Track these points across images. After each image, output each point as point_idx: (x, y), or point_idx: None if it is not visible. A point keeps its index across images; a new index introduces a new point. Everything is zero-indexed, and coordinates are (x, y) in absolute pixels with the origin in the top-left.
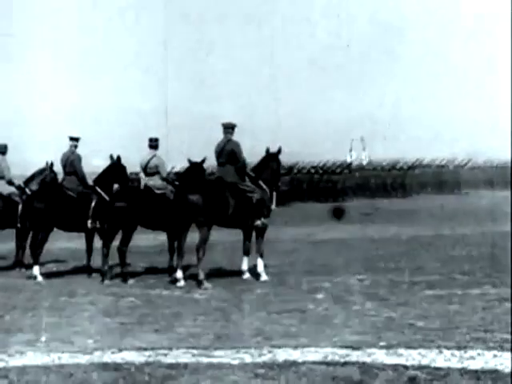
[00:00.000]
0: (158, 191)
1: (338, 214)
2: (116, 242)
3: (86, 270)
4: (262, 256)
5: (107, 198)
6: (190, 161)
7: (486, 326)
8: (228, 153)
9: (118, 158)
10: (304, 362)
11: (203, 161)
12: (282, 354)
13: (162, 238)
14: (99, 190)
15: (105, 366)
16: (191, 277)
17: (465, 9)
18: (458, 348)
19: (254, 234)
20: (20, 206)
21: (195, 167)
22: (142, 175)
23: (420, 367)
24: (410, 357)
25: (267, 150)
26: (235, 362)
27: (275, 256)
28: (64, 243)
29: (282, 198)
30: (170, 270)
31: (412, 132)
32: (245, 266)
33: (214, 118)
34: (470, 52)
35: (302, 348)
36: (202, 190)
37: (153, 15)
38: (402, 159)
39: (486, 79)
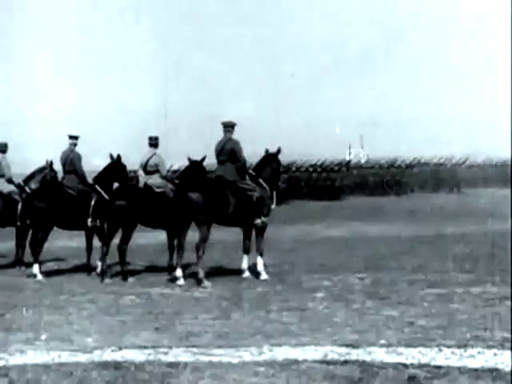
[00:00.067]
0: (158, 190)
1: None
2: (116, 240)
3: (86, 268)
4: (261, 255)
5: (107, 196)
6: (189, 159)
7: (487, 325)
8: (228, 151)
9: (118, 156)
10: (304, 361)
11: (203, 159)
12: (282, 353)
13: (161, 236)
14: (99, 188)
15: (105, 365)
16: (191, 275)
17: (465, 9)
18: (458, 346)
19: (253, 232)
20: (20, 205)
21: (195, 166)
22: (140, 173)
23: (420, 366)
24: (410, 355)
25: (266, 151)
26: (235, 361)
27: (275, 254)
28: (64, 242)
29: (281, 196)
30: (170, 269)
31: (410, 130)
32: (245, 264)
33: (213, 117)
34: (470, 52)
35: (302, 346)
36: (202, 188)
37: (153, 15)
38: (400, 157)
39: (485, 79)
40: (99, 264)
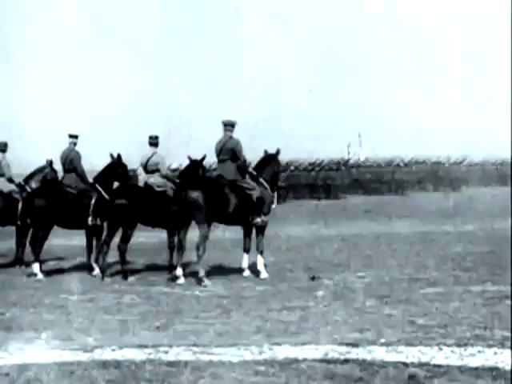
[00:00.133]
0: (159, 189)
1: None
2: (116, 239)
3: (87, 267)
4: (262, 253)
5: (107, 196)
6: (190, 158)
7: (487, 324)
8: (228, 150)
9: (119, 156)
10: (304, 360)
11: (203, 158)
12: (283, 352)
13: (162, 235)
14: (99, 187)
15: (105, 364)
16: (191, 274)
17: (465, 9)
18: (458, 345)
19: (253, 231)
20: (20, 204)
21: (195, 165)
22: (139, 172)
23: (420, 364)
24: (410, 354)
25: (265, 152)
26: (235, 360)
27: (275, 253)
28: (64, 240)
29: (280, 195)
30: (170, 268)
31: (409, 129)
32: (245, 263)
33: (213, 116)
34: (470, 51)
35: (302, 345)
36: (202, 187)
37: (153, 15)
38: (399, 156)
39: (485, 78)
40: (94, 265)
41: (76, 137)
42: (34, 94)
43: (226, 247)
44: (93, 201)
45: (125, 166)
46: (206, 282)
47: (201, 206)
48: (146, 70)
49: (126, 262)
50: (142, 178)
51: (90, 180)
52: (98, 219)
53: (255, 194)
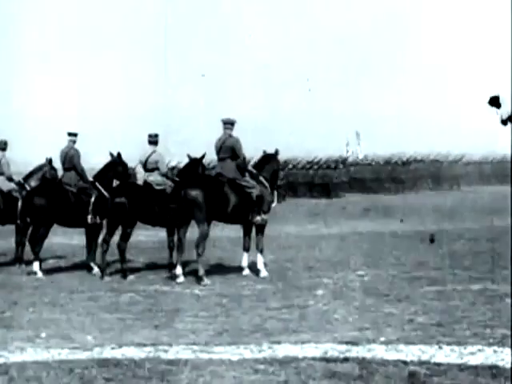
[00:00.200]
0: (158, 187)
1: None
2: (116, 237)
3: (86, 265)
4: (261, 252)
5: (107, 194)
6: (189, 156)
7: (486, 322)
8: (228, 149)
9: (119, 154)
10: (304, 358)
11: (203, 156)
12: (282, 350)
13: (161, 233)
14: (99, 185)
15: (105, 362)
16: (191, 273)
17: (465, 8)
18: (458, 344)
19: (253, 229)
20: (20, 203)
21: (195, 163)
22: (138, 170)
23: (420, 363)
24: (410, 352)
25: (264, 152)
26: (235, 358)
27: (274, 252)
28: (64, 239)
29: (279, 193)
30: (170, 266)
31: (407, 128)
32: (244, 262)
33: (213, 115)
34: (468, 50)
35: (302, 344)
36: (202, 185)
37: (153, 14)
38: (397, 154)
39: (485, 77)
40: (92, 264)
41: (75, 135)
42: (34, 92)
43: (226, 246)
44: (92, 199)
45: (125, 165)
46: (206, 280)
47: (200, 205)
48: (146, 69)
49: (125, 261)
50: (141, 176)
51: (90, 178)
52: (98, 217)
53: (255, 192)
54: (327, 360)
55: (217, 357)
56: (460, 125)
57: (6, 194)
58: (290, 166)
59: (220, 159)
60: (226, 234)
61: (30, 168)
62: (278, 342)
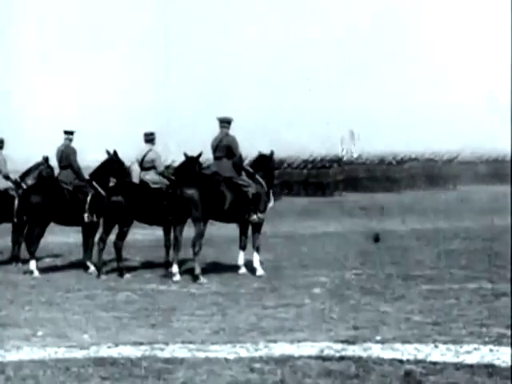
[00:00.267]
0: (154, 186)
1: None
2: (112, 237)
3: (83, 264)
4: (258, 251)
5: (103, 192)
6: (186, 155)
7: (482, 321)
8: (224, 147)
9: (115, 152)
10: (300, 357)
11: (199, 155)
12: (278, 349)
13: (158, 232)
14: (95, 184)
15: (101, 361)
16: (187, 271)
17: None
18: (454, 342)
19: (250, 228)
20: (16, 201)
21: (191, 161)
22: (133, 167)
23: (416, 362)
24: (406, 351)
25: (259, 153)
26: (231, 357)
27: (271, 250)
28: (60, 238)
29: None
30: (166, 265)
31: (402, 127)
32: (241, 260)
33: (211, 114)
34: (467, 49)
35: (298, 342)
36: (198, 184)
37: (153, 13)
38: (392, 154)
39: (484, 77)
40: (89, 263)
41: (71, 133)
42: (34, 91)
43: (222, 244)
44: (89, 197)
45: (121, 163)
46: (202, 279)
47: (197, 203)
48: (145, 68)
49: (122, 260)
50: (137, 174)
51: (86, 176)
52: (94, 216)
53: (251, 190)
54: (323, 359)
55: (213, 355)
56: (455, 124)
57: (3, 193)
58: (285, 164)
59: (216, 158)
60: (222, 232)
61: (27, 166)
62: (274, 341)
